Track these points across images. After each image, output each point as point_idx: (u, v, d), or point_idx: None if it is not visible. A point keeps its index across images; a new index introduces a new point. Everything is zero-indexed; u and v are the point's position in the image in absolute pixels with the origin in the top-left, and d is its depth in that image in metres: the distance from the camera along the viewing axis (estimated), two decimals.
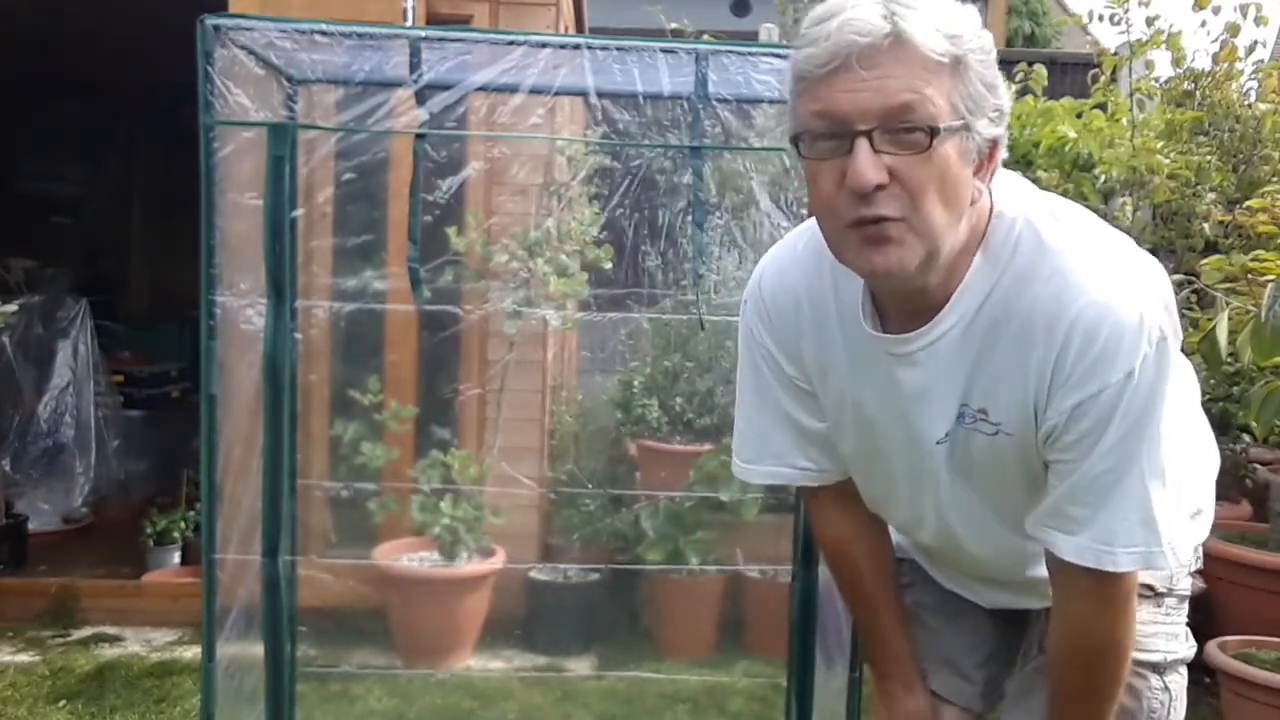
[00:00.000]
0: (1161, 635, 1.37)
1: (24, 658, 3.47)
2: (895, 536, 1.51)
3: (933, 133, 1.05)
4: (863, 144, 1.06)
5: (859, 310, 1.24)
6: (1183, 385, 1.35)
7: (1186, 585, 1.41)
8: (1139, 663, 1.31)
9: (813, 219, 1.26)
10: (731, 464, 1.48)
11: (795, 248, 1.34)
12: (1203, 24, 4.01)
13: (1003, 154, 1.15)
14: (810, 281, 1.29)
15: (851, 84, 1.05)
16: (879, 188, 1.06)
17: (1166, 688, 1.37)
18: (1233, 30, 3.90)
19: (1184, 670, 1.40)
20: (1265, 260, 2.61)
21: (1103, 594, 1.19)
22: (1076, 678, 1.25)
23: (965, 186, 1.10)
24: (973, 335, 1.17)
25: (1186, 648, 1.41)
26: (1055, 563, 1.21)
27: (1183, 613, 1.41)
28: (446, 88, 2.04)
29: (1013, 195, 1.18)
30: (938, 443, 1.24)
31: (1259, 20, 3.90)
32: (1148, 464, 1.14)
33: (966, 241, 1.15)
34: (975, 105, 1.08)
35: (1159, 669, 1.36)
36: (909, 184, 1.07)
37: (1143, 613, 1.31)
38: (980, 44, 1.10)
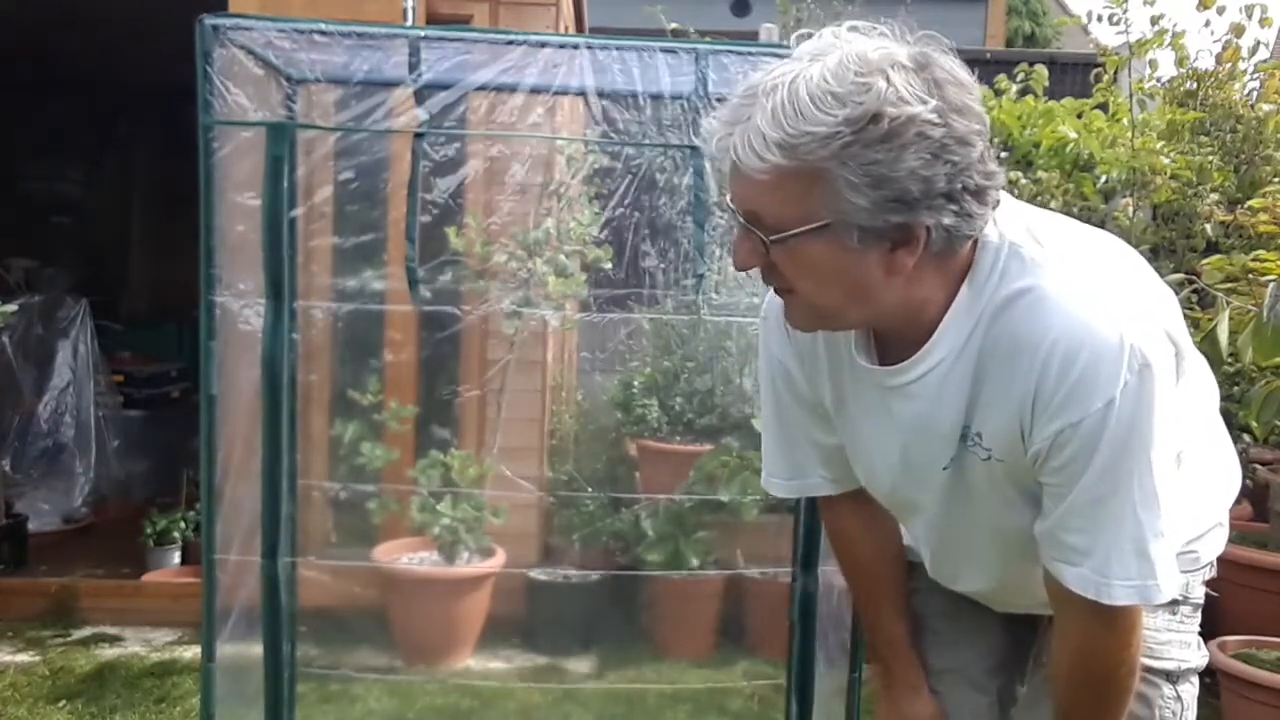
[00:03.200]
0: (1175, 644, 1.35)
1: (24, 658, 3.47)
2: (905, 539, 1.50)
3: (766, 245, 1.08)
4: (739, 227, 1.11)
5: (853, 340, 1.25)
6: (1201, 399, 1.34)
7: (1200, 594, 1.39)
8: (1152, 670, 1.30)
9: None
10: (762, 477, 1.50)
11: None
12: (1207, 24, 4.01)
13: (940, 232, 1.07)
14: None
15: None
16: (756, 266, 1.12)
17: (1179, 697, 1.36)
18: (1237, 30, 3.90)
19: (1195, 680, 1.39)
20: (1266, 260, 2.61)
21: (1106, 619, 1.17)
22: (1079, 697, 1.24)
23: (854, 272, 1.09)
24: (965, 364, 1.16)
25: (1199, 657, 1.39)
26: (1057, 588, 1.20)
27: (1196, 621, 1.40)
28: (446, 87, 2.04)
29: (998, 219, 1.15)
30: (944, 468, 1.23)
31: (1263, 21, 3.89)
32: (1139, 493, 1.12)
33: (954, 274, 1.14)
34: (844, 204, 1.04)
35: (1172, 678, 1.35)
36: (781, 270, 1.11)
37: (1157, 620, 1.31)
38: (854, 138, 1.01)
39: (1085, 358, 1.07)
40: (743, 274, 1.24)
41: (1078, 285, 1.11)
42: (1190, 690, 1.37)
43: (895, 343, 1.20)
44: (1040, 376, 1.10)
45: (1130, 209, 3.62)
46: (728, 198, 1.12)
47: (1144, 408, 1.09)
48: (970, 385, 1.17)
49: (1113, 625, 1.18)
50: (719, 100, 2.07)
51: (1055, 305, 1.10)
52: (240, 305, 2.07)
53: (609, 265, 3.76)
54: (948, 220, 1.06)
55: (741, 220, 1.10)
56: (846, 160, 1.02)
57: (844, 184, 1.03)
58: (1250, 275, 2.64)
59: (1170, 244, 3.65)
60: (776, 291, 1.17)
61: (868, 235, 1.06)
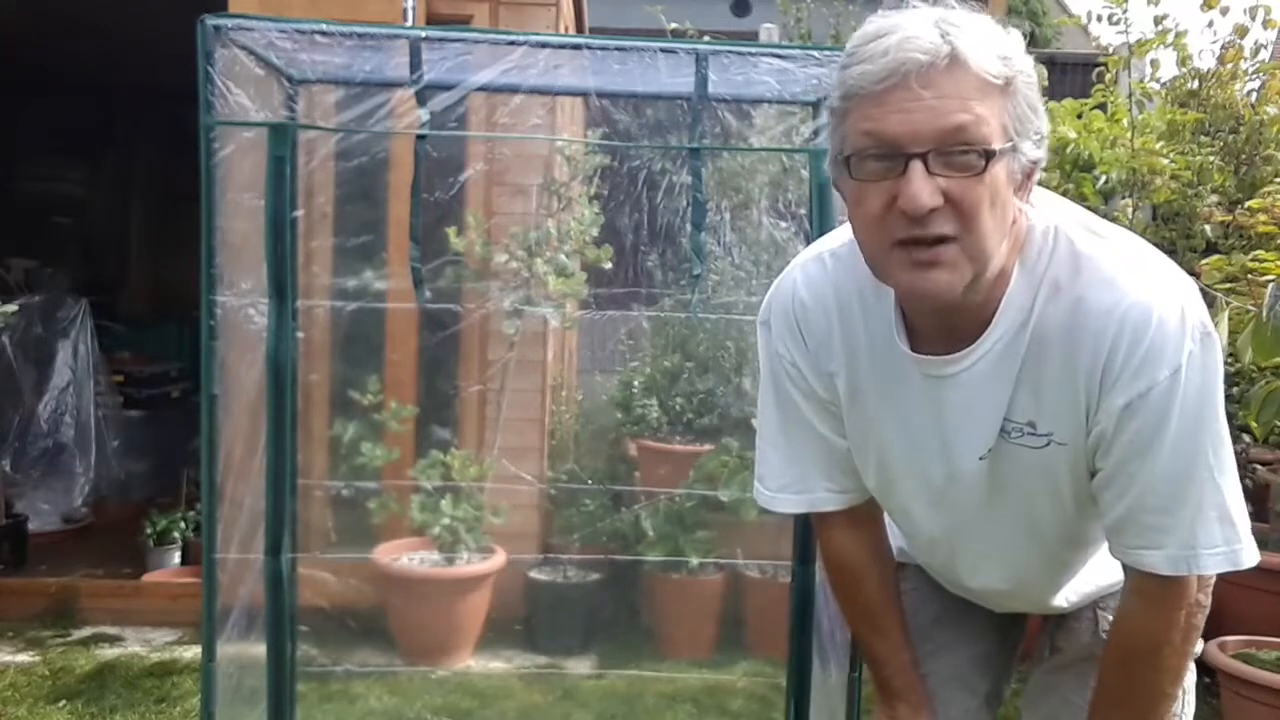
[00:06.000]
0: None
1: (24, 658, 3.47)
2: (898, 542, 1.50)
3: (987, 155, 1.04)
4: (917, 166, 1.04)
5: (891, 330, 1.22)
6: None
7: None
8: None
9: (833, 232, 1.28)
10: (755, 491, 1.44)
11: (824, 262, 1.30)
12: (1209, 25, 4.02)
13: (1039, 175, 1.14)
14: (841, 298, 1.27)
15: (906, 103, 1.04)
16: (933, 210, 1.05)
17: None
18: (1240, 31, 3.90)
19: (1193, 668, 1.41)
20: (1265, 260, 2.61)
21: (1173, 587, 1.17)
22: (1124, 680, 1.25)
23: (1010, 207, 1.10)
24: (1015, 350, 1.16)
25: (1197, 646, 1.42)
26: (1138, 575, 1.19)
27: None
28: (447, 88, 2.04)
29: (1039, 207, 1.17)
30: (980, 459, 1.21)
31: (1267, 23, 3.90)
32: (1214, 460, 1.13)
33: (1006, 259, 1.14)
34: (1022, 127, 1.08)
35: None
36: (963, 206, 1.05)
37: None
38: (1026, 66, 1.09)
39: (1154, 329, 1.09)
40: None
41: (1135, 265, 1.14)
42: (1190, 678, 1.39)
43: (936, 330, 1.18)
44: (1111, 349, 1.11)
45: (1130, 209, 3.62)
46: (890, 129, 1.05)
47: (1210, 375, 1.11)
48: (1018, 370, 1.16)
49: (1175, 595, 1.18)
50: (719, 100, 2.09)
51: (1118, 284, 1.11)
52: (241, 305, 2.06)
53: (609, 265, 3.76)
54: (1041, 168, 1.12)
55: (919, 152, 1.04)
56: (1025, 84, 1.08)
57: (1025, 103, 1.08)
58: (1249, 275, 2.65)
59: (1170, 244, 3.65)
60: (919, 254, 1.07)
61: (1020, 167, 1.10)
